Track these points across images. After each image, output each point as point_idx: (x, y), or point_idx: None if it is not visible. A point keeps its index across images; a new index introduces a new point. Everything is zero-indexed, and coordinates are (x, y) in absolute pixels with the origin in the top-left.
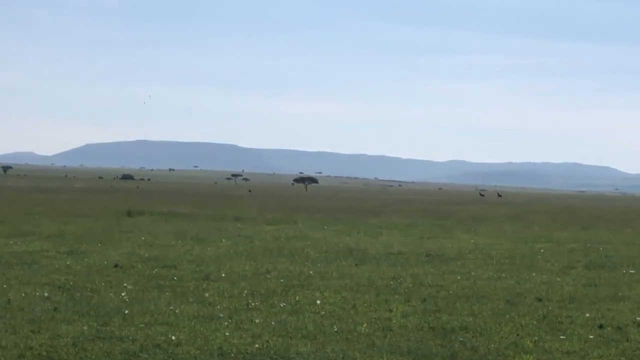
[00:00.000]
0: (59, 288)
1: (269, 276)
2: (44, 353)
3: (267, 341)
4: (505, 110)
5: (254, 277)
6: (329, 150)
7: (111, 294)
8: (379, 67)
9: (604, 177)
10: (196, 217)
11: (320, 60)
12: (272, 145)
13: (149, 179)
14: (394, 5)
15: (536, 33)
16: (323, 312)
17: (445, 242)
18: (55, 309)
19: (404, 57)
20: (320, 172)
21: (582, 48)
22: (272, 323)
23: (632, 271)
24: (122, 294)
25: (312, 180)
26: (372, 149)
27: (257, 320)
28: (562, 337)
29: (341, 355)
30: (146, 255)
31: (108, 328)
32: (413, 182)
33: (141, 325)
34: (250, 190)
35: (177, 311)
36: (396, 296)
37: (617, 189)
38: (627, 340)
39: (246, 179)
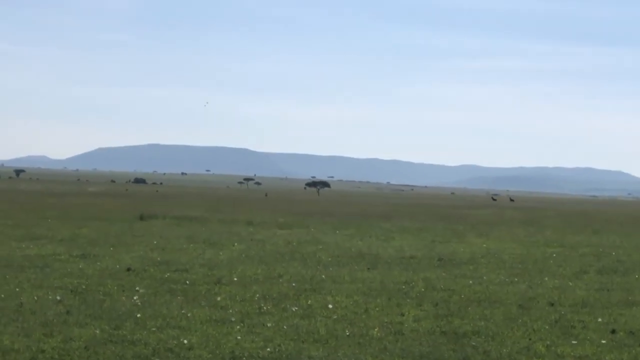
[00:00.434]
0: (71, 291)
1: (281, 280)
2: (56, 356)
3: (279, 345)
4: (518, 114)
5: (266, 281)
6: (341, 154)
7: (123, 298)
8: (392, 72)
9: (616, 182)
10: (208, 221)
11: (333, 64)
12: (284, 149)
13: (161, 183)
14: (407, 9)
15: (550, 37)
16: (335, 316)
17: (458, 247)
18: (67, 313)
19: (417, 61)
20: (332, 177)
21: (596, 52)
22: (284, 327)
23: None
24: (135, 298)
25: (324, 184)
26: (385, 154)
27: (269, 324)
28: (574, 341)
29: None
30: (158, 259)
31: (120, 332)
32: (425, 187)
33: (153, 329)
34: (266, 194)
35: (189, 315)
36: (408, 300)
37: (629, 194)
38: None
39: (258, 183)
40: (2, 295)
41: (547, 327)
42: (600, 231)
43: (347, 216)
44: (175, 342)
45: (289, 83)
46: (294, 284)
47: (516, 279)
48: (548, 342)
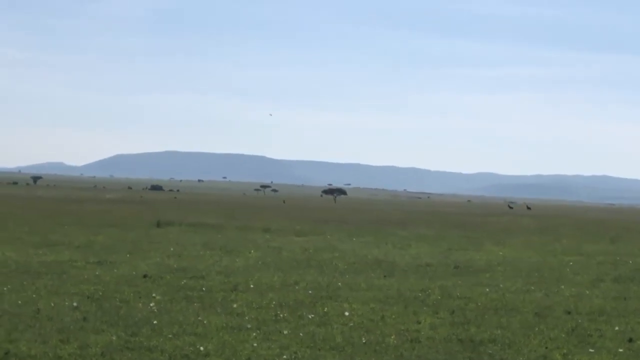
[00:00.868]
0: (88, 298)
1: (297, 287)
2: None
3: (295, 352)
4: (535, 122)
5: (283, 288)
6: (358, 161)
7: (140, 304)
8: (409, 79)
9: (634, 190)
10: (225, 228)
11: (351, 71)
12: (301, 156)
13: (178, 190)
14: (425, 17)
15: (567, 44)
16: (351, 324)
17: (474, 254)
18: (84, 319)
19: (434, 69)
20: (349, 184)
21: (612, 59)
22: (301, 334)
23: None
24: (151, 305)
25: (341, 191)
26: (402, 161)
27: (285, 332)
28: (591, 350)
29: None
30: (175, 265)
31: (137, 338)
32: (442, 194)
33: (170, 336)
34: (284, 201)
35: (205, 322)
36: (424, 308)
37: None
38: None
39: (275, 190)
40: (19, 302)
41: (563, 335)
42: (617, 239)
43: (363, 223)
44: (191, 349)
45: (305, 90)
46: (310, 292)
47: (532, 287)
48: (565, 351)
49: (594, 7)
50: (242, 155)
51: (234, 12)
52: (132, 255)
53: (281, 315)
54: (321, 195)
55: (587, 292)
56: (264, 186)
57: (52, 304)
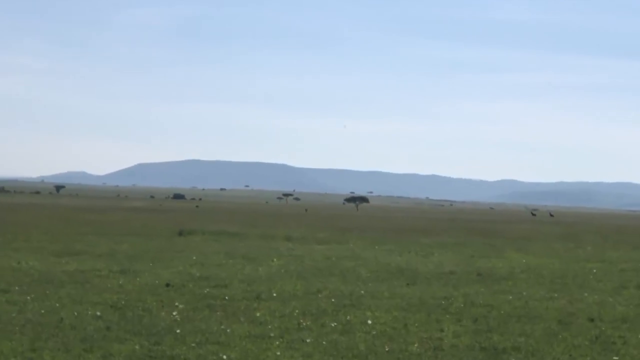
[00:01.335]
0: (111, 307)
1: (320, 296)
2: None
3: None
4: (557, 128)
5: (305, 297)
6: (380, 169)
7: (163, 313)
8: (430, 86)
9: None
10: (247, 237)
11: (371, 79)
12: (323, 164)
13: (200, 199)
14: (441, 24)
15: (588, 50)
16: (374, 332)
17: (497, 262)
18: (107, 328)
19: (455, 76)
20: (371, 192)
21: (636, 65)
22: (324, 343)
23: None
24: (174, 313)
25: (363, 199)
26: (424, 169)
27: (308, 340)
28: (615, 357)
29: None
30: (197, 274)
31: (160, 347)
32: (464, 202)
33: (193, 345)
34: (306, 210)
35: (228, 330)
36: (447, 316)
37: None
38: None
39: (297, 199)
40: (43, 311)
41: (587, 343)
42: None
43: (385, 231)
44: (214, 357)
45: (327, 98)
46: (333, 300)
47: (556, 295)
48: (588, 359)
49: (617, 13)
50: (265, 164)
51: (256, 20)
52: (154, 264)
53: (304, 324)
54: (343, 203)
55: (611, 299)
56: (286, 194)
57: (75, 313)
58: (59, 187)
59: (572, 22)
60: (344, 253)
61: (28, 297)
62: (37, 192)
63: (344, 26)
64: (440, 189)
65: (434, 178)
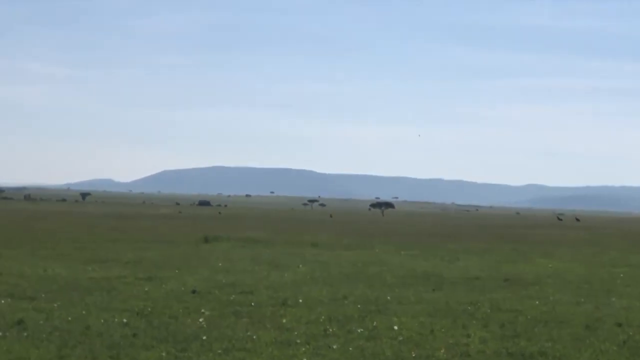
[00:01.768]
0: (137, 314)
1: (346, 302)
2: None
3: None
4: (583, 132)
5: (331, 303)
6: (405, 175)
7: (189, 320)
8: (454, 91)
9: None
10: (273, 243)
11: (396, 84)
12: (348, 170)
13: (225, 205)
14: (465, 28)
15: (613, 54)
16: (401, 338)
17: (523, 267)
18: (134, 335)
19: (479, 81)
20: (396, 197)
21: None
22: (350, 349)
23: None
24: (200, 320)
25: (389, 205)
26: (449, 174)
27: (334, 346)
28: None
29: None
30: (223, 281)
31: (186, 354)
32: (490, 207)
33: (219, 351)
34: (331, 215)
35: (254, 337)
36: (474, 321)
37: None
38: None
39: (322, 205)
40: (69, 318)
41: (615, 348)
42: None
43: (411, 237)
44: None
45: (351, 104)
46: (359, 306)
47: (583, 300)
48: None
49: None
50: (290, 170)
51: (280, 26)
52: (180, 270)
53: (330, 330)
54: (369, 209)
55: (638, 303)
56: (311, 200)
57: (102, 320)
58: (84, 195)
59: (597, 26)
60: (369, 259)
61: (55, 305)
62: (63, 200)
63: (370, 32)
64: (465, 194)
65: (459, 183)
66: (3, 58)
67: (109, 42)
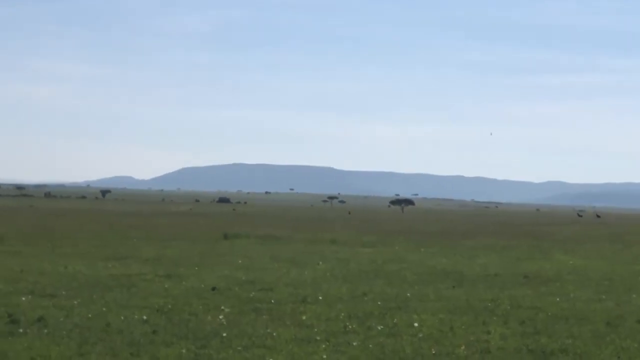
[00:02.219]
0: (157, 311)
1: (366, 299)
2: None
3: None
4: (604, 130)
5: (351, 300)
6: (425, 172)
7: (209, 317)
8: (475, 88)
9: None
10: (292, 240)
11: (415, 81)
12: (368, 167)
13: (245, 202)
14: (486, 26)
15: (634, 52)
16: (421, 335)
17: (543, 264)
18: (154, 332)
19: (500, 77)
20: (416, 194)
21: None
22: (370, 346)
23: None
24: (220, 317)
25: (409, 202)
26: (469, 171)
27: (354, 343)
28: None
29: None
30: (243, 278)
31: (206, 351)
32: (510, 204)
33: (239, 348)
34: (350, 212)
35: (274, 334)
36: (494, 318)
37: None
38: None
39: (342, 202)
40: (90, 315)
41: (636, 345)
42: None
43: (431, 234)
44: None
45: (371, 101)
46: (379, 303)
47: (603, 297)
48: None
49: None
50: (309, 167)
51: (300, 25)
52: (200, 268)
53: (350, 327)
54: (389, 206)
55: None
56: (331, 197)
57: (122, 317)
58: (104, 192)
59: (618, 24)
60: (389, 256)
61: (75, 302)
62: (83, 197)
63: (389, 31)
64: (485, 191)
65: (479, 180)
66: (30, 57)
67: (129, 41)
